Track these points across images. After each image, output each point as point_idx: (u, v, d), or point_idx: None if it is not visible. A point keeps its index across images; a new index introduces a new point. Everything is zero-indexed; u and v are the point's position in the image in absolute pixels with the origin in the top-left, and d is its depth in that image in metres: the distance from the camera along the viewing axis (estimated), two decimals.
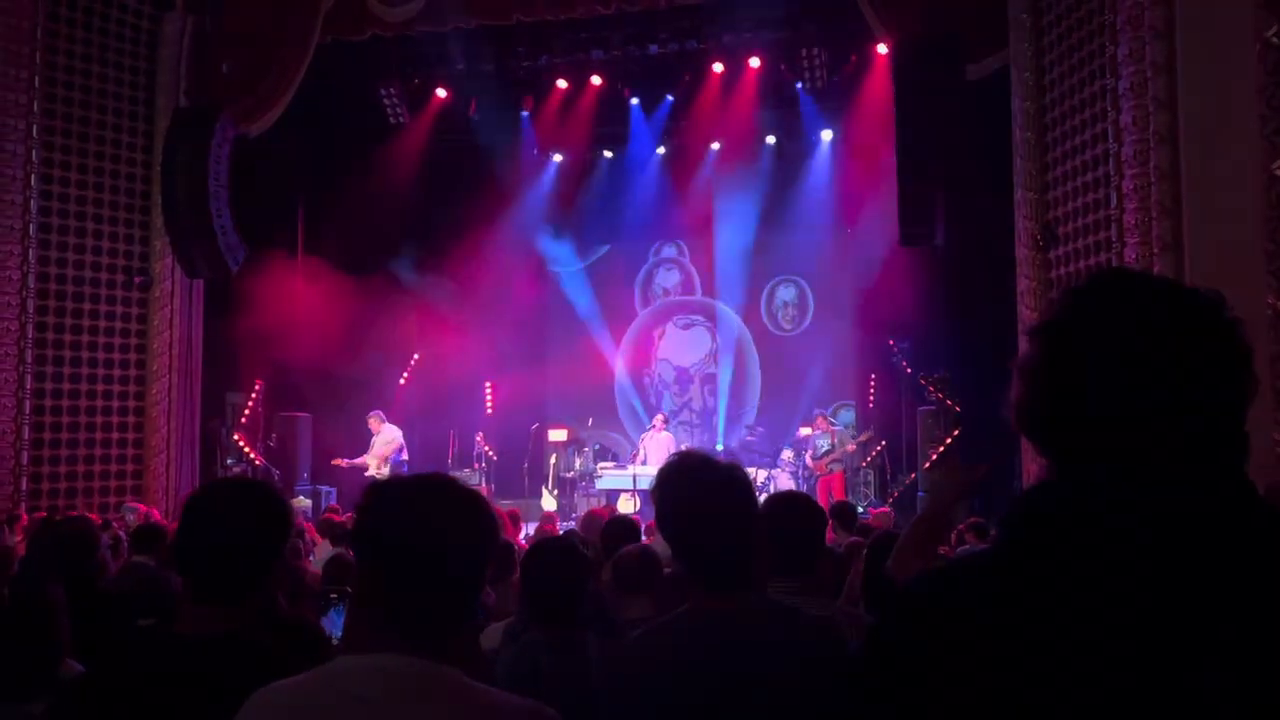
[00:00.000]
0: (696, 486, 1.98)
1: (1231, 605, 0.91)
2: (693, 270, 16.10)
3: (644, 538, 7.80)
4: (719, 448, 13.92)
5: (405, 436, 13.07)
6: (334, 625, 3.44)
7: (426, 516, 1.51)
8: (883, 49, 11.42)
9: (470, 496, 1.59)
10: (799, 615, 2.00)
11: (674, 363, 15.83)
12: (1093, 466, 1.00)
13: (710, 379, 15.65)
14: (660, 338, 15.92)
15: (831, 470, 12.11)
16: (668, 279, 16.20)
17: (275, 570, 1.92)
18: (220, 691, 1.63)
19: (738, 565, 1.95)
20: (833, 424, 12.55)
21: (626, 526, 4.70)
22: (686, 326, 15.81)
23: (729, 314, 15.48)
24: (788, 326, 15.57)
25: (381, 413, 12.62)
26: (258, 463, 12.35)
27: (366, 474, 12.26)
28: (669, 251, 16.19)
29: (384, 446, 12.33)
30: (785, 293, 15.60)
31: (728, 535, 1.94)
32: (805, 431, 12.95)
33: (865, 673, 1.04)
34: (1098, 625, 0.92)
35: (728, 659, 1.86)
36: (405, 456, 12.60)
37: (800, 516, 2.81)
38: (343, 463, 12.49)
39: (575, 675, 2.55)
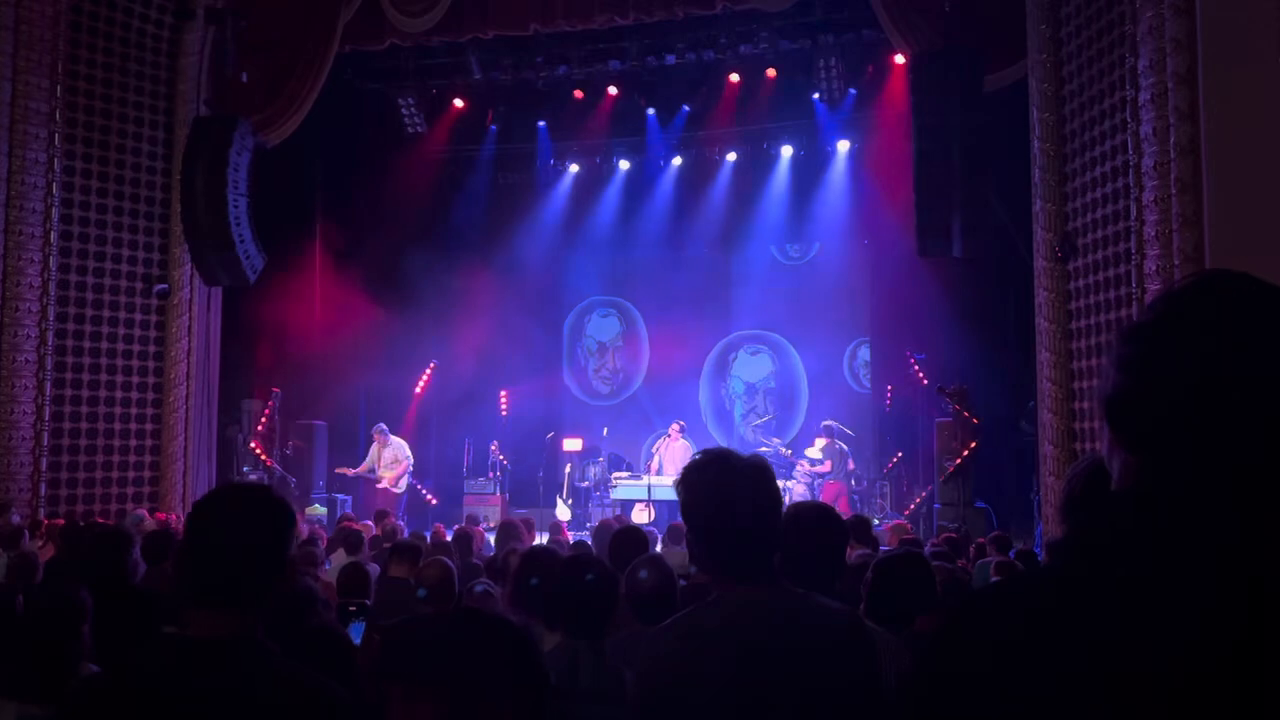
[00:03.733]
0: (721, 477, 2.03)
1: None
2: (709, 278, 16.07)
3: (658, 545, 7.80)
4: None
5: (421, 445, 13.12)
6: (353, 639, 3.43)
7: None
8: (900, 60, 11.41)
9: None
10: (821, 604, 2.03)
11: (744, 379, 15.85)
12: (1177, 470, 0.97)
13: (771, 392, 15.63)
14: (734, 360, 15.89)
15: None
16: (683, 286, 16.14)
17: (285, 573, 1.92)
18: (232, 696, 1.63)
19: (762, 555, 1.99)
20: (839, 444, 12.48)
21: (636, 539, 4.56)
22: (755, 353, 15.80)
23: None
24: (796, 256, 15.51)
25: (385, 427, 12.65)
26: (274, 470, 12.40)
27: (381, 485, 12.33)
28: (684, 259, 16.12)
29: (395, 464, 12.40)
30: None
31: (752, 525, 1.98)
32: (822, 443, 12.91)
33: (921, 697, 1.01)
34: (1170, 648, 0.89)
35: (754, 645, 1.88)
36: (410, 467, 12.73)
37: (822, 529, 2.78)
38: (348, 471, 12.58)
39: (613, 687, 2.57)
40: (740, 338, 15.53)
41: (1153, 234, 7.11)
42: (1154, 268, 7.10)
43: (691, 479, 2.06)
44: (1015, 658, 0.94)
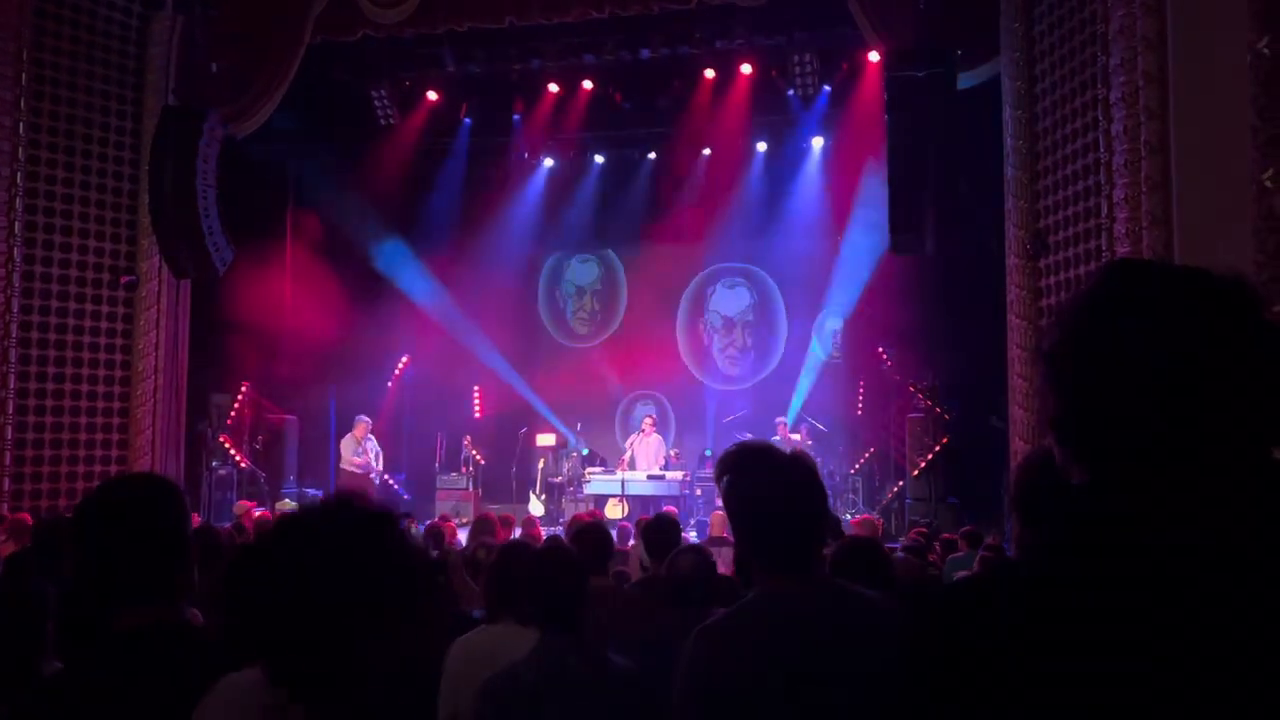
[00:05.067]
0: (768, 472, 2.03)
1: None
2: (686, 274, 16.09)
3: (631, 540, 7.79)
4: (707, 452, 13.89)
5: (393, 439, 13.05)
6: None
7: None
8: (874, 56, 11.45)
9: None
10: (867, 596, 2.04)
11: (721, 313, 16.02)
12: (1134, 477, 0.97)
13: (749, 325, 15.81)
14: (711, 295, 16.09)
15: None
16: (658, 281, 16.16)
17: (190, 557, 1.91)
18: (167, 681, 1.61)
19: (806, 549, 2.01)
20: (792, 436, 12.52)
21: (600, 536, 4.56)
22: (732, 287, 15.97)
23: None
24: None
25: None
26: (243, 465, 12.28)
27: (371, 475, 12.28)
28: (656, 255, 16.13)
29: (378, 459, 12.37)
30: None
31: (803, 517, 2.00)
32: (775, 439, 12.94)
33: (909, 683, 1.02)
34: (1141, 646, 0.89)
35: (802, 636, 1.90)
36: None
37: None
38: (355, 465, 12.53)
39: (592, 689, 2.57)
40: (717, 270, 15.59)
41: (1123, 231, 7.17)
42: None
43: (742, 469, 2.05)
44: (989, 650, 0.95)
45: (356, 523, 1.23)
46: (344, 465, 12.31)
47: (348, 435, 12.47)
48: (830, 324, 14.61)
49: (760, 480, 2.02)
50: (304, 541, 1.21)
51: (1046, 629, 0.93)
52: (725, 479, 2.06)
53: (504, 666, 2.72)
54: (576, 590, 2.78)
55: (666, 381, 15.25)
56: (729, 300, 15.70)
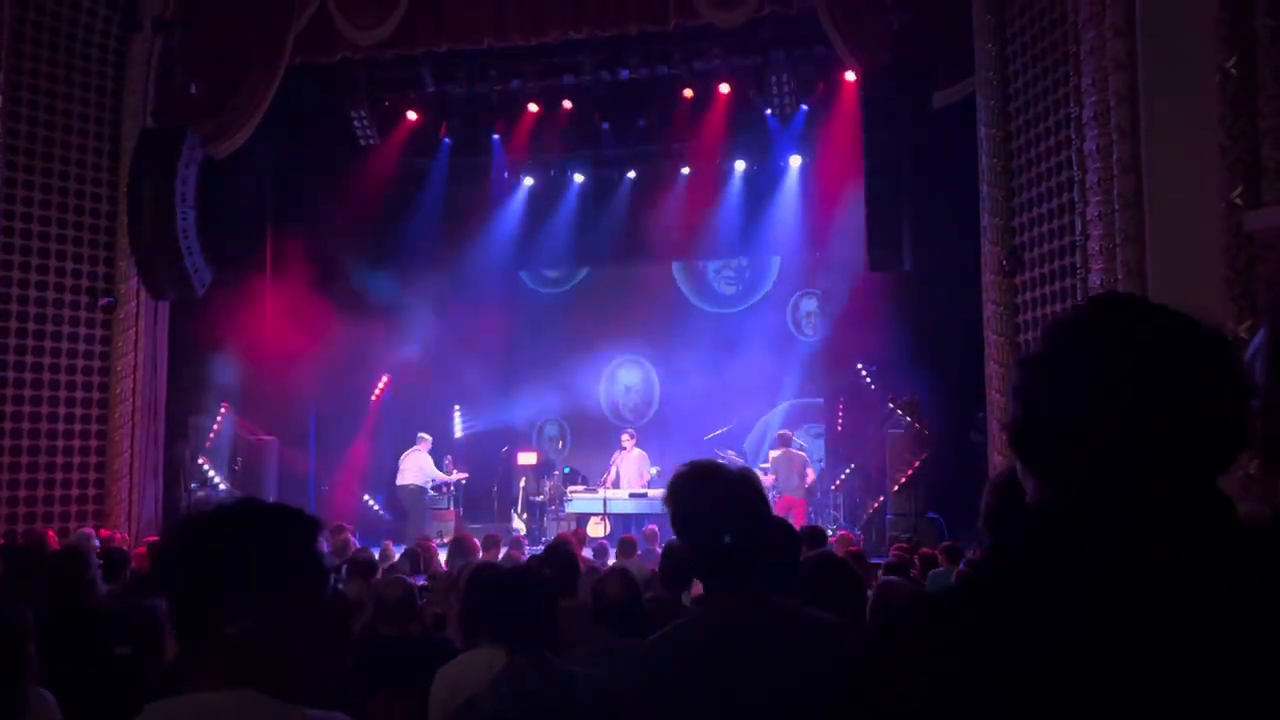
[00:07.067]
0: (712, 490, 2.06)
1: (1232, 634, 0.92)
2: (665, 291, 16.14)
3: (611, 558, 7.81)
4: None
5: (374, 458, 13.05)
6: None
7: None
8: (851, 76, 11.56)
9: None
10: (811, 615, 2.06)
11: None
12: (1087, 490, 1.01)
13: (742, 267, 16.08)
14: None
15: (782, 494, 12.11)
16: (639, 302, 16.20)
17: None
18: None
19: (751, 566, 2.03)
20: (796, 452, 12.52)
21: (567, 557, 4.58)
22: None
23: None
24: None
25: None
26: (222, 487, 12.19)
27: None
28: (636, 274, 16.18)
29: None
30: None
31: (741, 536, 2.02)
32: (775, 454, 12.95)
33: (868, 697, 1.05)
34: (1091, 655, 0.92)
35: (743, 653, 1.92)
36: None
37: (776, 538, 2.82)
38: (446, 478, 13.01)
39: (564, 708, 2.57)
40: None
41: (1096, 248, 7.26)
42: (1098, 281, 7.25)
43: (681, 491, 2.09)
44: (944, 665, 0.98)
45: (237, 515, 1.48)
46: (415, 481, 12.56)
47: (416, 451, 12.87)
48: (805, 305, 14.75)
49: (697, 502, 2.06)
50: (199, 527, 1.48)
51: (1000, 641, 0.96)
52: (668, 500, 2.10)
53: (465, 698, 2.71)
54: (543, 610, 2.79)
55: (650, 333, 15.27)
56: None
